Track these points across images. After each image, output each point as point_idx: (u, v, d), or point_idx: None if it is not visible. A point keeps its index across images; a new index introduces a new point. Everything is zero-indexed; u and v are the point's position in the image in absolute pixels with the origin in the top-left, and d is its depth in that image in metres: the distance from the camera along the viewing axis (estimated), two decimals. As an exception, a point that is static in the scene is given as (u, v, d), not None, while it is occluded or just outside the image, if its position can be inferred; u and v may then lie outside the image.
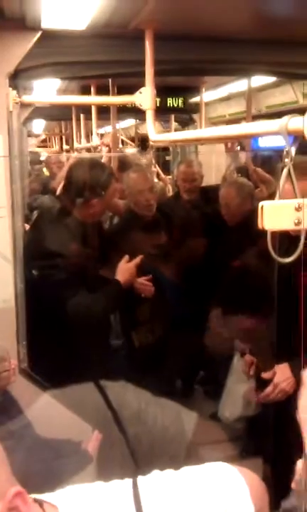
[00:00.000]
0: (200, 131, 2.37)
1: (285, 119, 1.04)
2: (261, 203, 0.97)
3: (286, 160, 1.07)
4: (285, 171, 1.08)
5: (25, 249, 2.28)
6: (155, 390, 2.51)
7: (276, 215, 0.96)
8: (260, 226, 0.98)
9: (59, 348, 2.31)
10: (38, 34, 2.02)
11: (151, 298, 2.82)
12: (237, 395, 2.86)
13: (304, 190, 1.10)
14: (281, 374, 1.94)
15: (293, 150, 1.07)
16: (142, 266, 2.77)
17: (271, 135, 1.16)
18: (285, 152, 1.08)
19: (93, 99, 3.26)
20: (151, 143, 2.29)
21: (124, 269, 2.49)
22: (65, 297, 2.28)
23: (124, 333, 3.13)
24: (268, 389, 1.96)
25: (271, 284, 2.15)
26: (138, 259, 2.51)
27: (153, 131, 2.12)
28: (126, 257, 2.51)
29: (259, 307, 2.44)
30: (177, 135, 2.38)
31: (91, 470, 1.82)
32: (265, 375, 1.99)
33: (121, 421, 1.64)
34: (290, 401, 1.14)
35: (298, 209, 0.96)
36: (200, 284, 3.28)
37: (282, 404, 1.95)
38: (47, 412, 2.10)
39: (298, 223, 0.97)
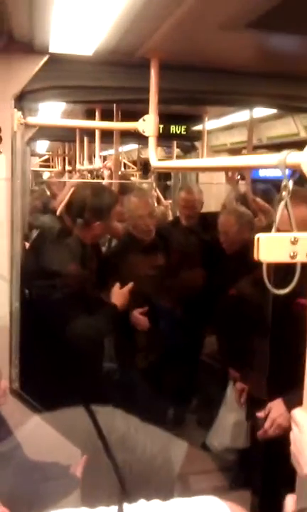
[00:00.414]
0: (200, 161, 2.40)
1: (283, 153, 1.06)
2: (257, 235, 0.98)
3: (283, 193, 1.09)
4: (282, 203, 1.09)
5: (23, 267, 2.28)
6: (147, 416, 2.49)
7: (272, 248, 0.97)
8: (256, 258, 0.99)
9: (51, 370, 2.29)
10: (46, 58, 2.07)
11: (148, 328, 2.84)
12: (227, 425, 2.84)
13: (301, 217, 1.11)
14: (276, 410, 1.93)
15: (290, 184, 1.08)
16: (138, 291, 2.77)
17: (270, 168, 1.18)
18: (282, 185, 1.09)
19: (97, 123, 3.31)
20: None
21: (118, 294, 2.50)
22: (60, 319, 2.27)
23: (119, 359, 3.11)
24: (266, 424, 1.95)
25: (266, 313, 2.15)
26: (130, 285, 2.52)
27: (155, 157, 2.15)
28: (118, 284, 2.52)
29: (253, 335, 2.43)
30: (177, 163, 2.42)
31: (77, 495, 1.79)
32: (260, 414, 1.99)
33: (109, 447, 1.61)
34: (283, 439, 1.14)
35: (294, 242, 0.96)
36: (196, 312, 3.28)
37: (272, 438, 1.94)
38: (37, 434, 2.08)
39: (294, 256, 0.97)
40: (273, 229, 1.07)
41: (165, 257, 3.23)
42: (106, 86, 2.23)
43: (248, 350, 2.50)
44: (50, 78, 2.14)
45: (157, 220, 3.30)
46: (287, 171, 1.09)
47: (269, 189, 3.99)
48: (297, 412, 1.04)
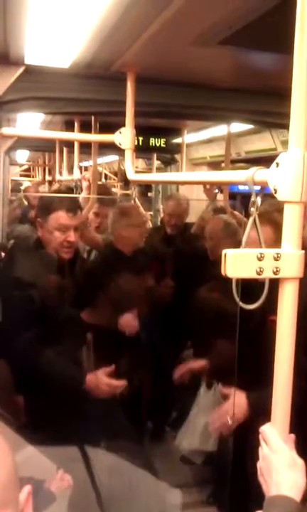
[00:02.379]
0: (175, 175, 2.42)
1: (251, 170, 1.07)
2: (224, 251, 0.98)
3: (252, 209, 1.10)
4: (251, 219, 1.10)
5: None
6: (126, 431, 2.45)
7: (239, 263, 0.97)
8: (223, 273, 0.99)
9: (27, 388, 2.23)
10: (22, 69, 2.06)
11: (130, 349, 2.80)
12: (197, 427, 2.82)
13: (266, 237, 1.11)
14: (237, 398, 1.94)
15: (258, 200, 1.09)
16: (121, 306, 2.74)
17: (240, 184, 1.19)
18: (251, 202, 1.10)
19: (73, 135, 3.31)
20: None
21: (128, 322, 2.57)
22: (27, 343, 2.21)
23: None
24: (220, 410, 1.99)
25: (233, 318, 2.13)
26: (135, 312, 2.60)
27: (132, 170, 2.16)
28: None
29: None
30: (153, 176, 2.42)
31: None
32: (224, 390, 2.02)
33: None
34: (251, 452, 1.13)
35: (260, 258, 0.97)
36: (178, 322, 3.27)
37: (243, 455, 1.93)
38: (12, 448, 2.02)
39: (260, 272, 0.98)
40: (243, 245, 1.08)
41: (149, 269, 3.21)
42: (83, 98, 2.23)
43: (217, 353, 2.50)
44: (26, 89, 2.13)
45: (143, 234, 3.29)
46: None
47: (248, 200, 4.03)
48: (266, 429, 1.03)
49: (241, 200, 6.16)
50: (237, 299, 1.10)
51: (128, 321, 2.73)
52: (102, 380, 2.19)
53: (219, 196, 3.84)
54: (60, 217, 2.32)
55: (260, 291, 1.07)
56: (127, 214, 3.12)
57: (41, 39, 1.78)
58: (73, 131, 3.52)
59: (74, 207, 2.42)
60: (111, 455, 1.13)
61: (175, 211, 3.81)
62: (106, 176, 7.41)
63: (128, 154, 2.16)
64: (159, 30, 1.53)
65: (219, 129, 3.79)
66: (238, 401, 1.92)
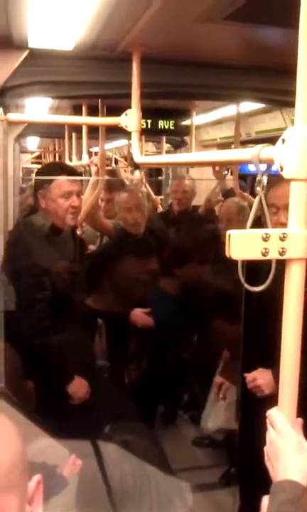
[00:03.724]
0: (181, 156, 2.39)
1: (257, 148, 1.04)
2: (228, 232, 0.96)
3: (258, 188, 1.07)
4: (257, 199, 1.07)
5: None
6: (138, 415, 2.46)
7: (243, 245, 0.95)
8: (227, 255, 0.96)
9: (36, 375, 2.25)
10: (26, 53, 2.03)
11: (139, 333, 2.82)
12: (219, 407, 2.83)
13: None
14: (262, 376, 1.95)
15: (264, 179, 1.06)
16: (131, 290, 2.74)
17: (245, 163, 1.16)
18: (257, 180, 1.07)
19: (79, 119, 3.28)
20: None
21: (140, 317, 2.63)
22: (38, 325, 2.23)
23: (114, 369, 3.08)
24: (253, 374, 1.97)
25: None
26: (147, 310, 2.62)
27: (138, 152, 2.13)
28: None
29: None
30: (159, 158, 2.39)
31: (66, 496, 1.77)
32: (250, 375, 2.00)
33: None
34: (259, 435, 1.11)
35: (266, 239, 0.94)
36: (192, 302, 3.26)
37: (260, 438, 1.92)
38: (24, 434, 2.04)
39: (266, 253, 0.95)
40: (248, 225, 1.05)
41: (159, 253, 3.21)
42: (88, 81, 2.20)
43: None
44: (30, 73, 2.11)
45: (146, 214, 3.30)
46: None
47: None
48: (274, 413, 1.01)
49: (251, 181, 6.08)
50: (244, 282, 1.08)
51: (140, 316, 2.76)
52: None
53: (230, 177, 3.80)
54: (62, 183, 2.36)
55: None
56: (126, 197, 3.17)
57: (44, 21, 1.75)
58: (81, 115, 3.49)
59: (73, 172, 2.50)
60: (122, 451, 1.13)
61: (180, 188, 3.90)
62: (116, 160, 7.36)
63: (135, 136, 2.13)
64: (162, 7, 1.50)
65: (229, 110, 3.73)
66: (265, 378, 1.93)
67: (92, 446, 1.06)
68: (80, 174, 2.72)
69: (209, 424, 3.04)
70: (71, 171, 2.50)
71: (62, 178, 2.41)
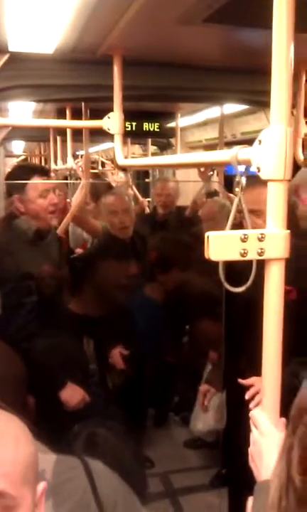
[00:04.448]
0: (163, 158, 2.39)
1: (235, 149, 1.04)
2: (207, 233, 0.96)
3: (237, 189, 1.07)
4: (236, 200, 1.07)
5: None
6: (129, 418, 2.44)
7: (222, 246, 0.95)
8: (206, 256, 0.96)
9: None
10: (6, 57, 2.02)
11: (124, 337, 2.80)
12: (210, 407, 2.82)
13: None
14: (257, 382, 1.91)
15: (243, 180, 1.06)
16: (115, 294, 2.72)
17: (224, 165, 1.16)
18: (235, 181, 1.08)
19: (62, 122, 3.28)
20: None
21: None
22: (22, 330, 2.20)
23: (100, 373, 3.07)
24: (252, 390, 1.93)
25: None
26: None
27: (121, 155, 2.12)
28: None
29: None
30: (142, 160, 2.39)
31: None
32: (245, 382, 1.95)
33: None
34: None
35: (244, 240, 0.94)
36: (176, 305, 3.26)
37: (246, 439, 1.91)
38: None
39: (244, 254, 0.95)
40: (227, 227, 1.05)
41: (145, 257, 3.21)
42: (70, 84, 2.19)
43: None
44: (11, 77, 2.10)
45: (133, 217, 3.29)
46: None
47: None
48: (256, 414, 1.02)
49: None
50: (225, 283, 1.08)
51: (116, 359, 2.76)
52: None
53: (215, 178, 3.82)
54: (38, 183, 2.34)
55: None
56: (113, 200, 3.17)
57: (23, 25, 1.74)
58: (65, 119, 3.48)
59: (44, 170, 2.51)
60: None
61: (164, 191, 3.94)
62: (103, 163, 7.35)
63: (118, 139, 2.12)
64: (141, 9, 1.49)
65: (213, 111, 3.74)
66: (258, 385, 1.89)
67: (79, 461, 1.05)
68: (49, 171, 2.70)
69: (198, 425, 3.04)
70: (41, 170, 2.47)
71: (35, 178, 2.35)
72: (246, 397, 1.87)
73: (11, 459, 0.77)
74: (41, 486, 0.83)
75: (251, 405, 1.88)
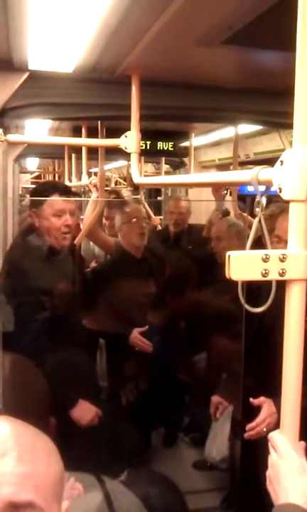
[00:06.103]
0: (179, 177, 2.40)
1: (255, 169, 1.04)
2: (228, 253, 0.96)
3: (257, 209, 1.07)
4: (256, 220, 1.07)
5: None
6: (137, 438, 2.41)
7: (243, 266, 0.94)
8: (227, 276, 0.96)
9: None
10: (26, 75, 2.05)
11: (137, 354, 2.78)
12: (224, 434, 2.78)
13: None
14: (268, 408, 1.88)
15: (263, 200, 1.06)
16: (129, 311, 2.71)
17: (244, 184, 1.16)
18: (255, 201, 1.08)
19: (79, 140, 3.31)
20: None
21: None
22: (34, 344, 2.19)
23: (112, 390, 3.05)
24: (258, 419, 1.88)
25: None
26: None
27: (137, 173, 2.14)
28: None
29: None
30: (158, 179, 2.41)
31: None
32: (255, 401, 1.91)
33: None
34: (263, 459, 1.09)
35: (266, 260, 0.94)
36: (187, 327, 3.24)
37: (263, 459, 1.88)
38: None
39: (266, 274, 0.95)
40: (247, 246, 1.05)
41: (158, 275, 3.20)
42: (88, 103, 2.22)
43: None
44: (30, 95, 2.13)
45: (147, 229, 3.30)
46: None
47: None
48: (275, 436, 1.00)
49: (250, 202, 6.13)
50: (244, 303, 1.07)
51: (140, 339, 2.74)
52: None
53: (229, 198, 3.83)
54: (55, 202, 2.35)
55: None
56: (127, 216, 3.16)
57: (44, 44, 1.77)
58: (81, 137, 3.52)
59: (66, 190, 2.47)
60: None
61: (176, 209, 3.94)
62: (116, 181, 7.41)
63: (134, 158, 2.14)
64: (161, 31, 1.52)
65: (227, 131, 3.76)
66: (270, 409, 1.87)
67: (95, 478, 1.04)
68: (75, 192, 2.70)
69: (213, 453, 2.98)
70: (64, 190, 2.47)
71: (54, 196, 2.38)
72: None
73: (43, 472, 0.77)
74: (65, 504, 0.82)
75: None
